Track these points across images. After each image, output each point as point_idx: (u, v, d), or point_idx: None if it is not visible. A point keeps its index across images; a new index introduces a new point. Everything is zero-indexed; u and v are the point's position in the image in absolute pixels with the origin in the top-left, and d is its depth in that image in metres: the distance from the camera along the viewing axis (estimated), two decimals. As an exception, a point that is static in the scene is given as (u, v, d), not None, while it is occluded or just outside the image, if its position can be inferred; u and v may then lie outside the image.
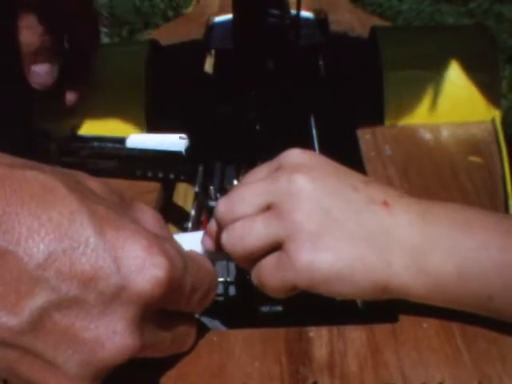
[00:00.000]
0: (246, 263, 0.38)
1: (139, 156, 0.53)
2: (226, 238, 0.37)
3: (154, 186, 0.52)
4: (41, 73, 0.50)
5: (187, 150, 0.53)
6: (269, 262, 0.37)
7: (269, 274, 0.37)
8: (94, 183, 0.34)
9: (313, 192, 0.36)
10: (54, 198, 0.30)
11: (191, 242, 0.40)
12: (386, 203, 0.36)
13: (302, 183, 0.37)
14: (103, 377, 0.31)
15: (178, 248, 0.33)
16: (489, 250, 0.35)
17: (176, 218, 0.55)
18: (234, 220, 0.37)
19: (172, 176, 0.53)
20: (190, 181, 0.55)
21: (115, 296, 0.30)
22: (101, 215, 0.31)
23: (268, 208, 0.37)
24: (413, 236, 0.36)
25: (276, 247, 0.37)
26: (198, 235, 0.41)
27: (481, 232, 0.35)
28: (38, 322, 0.29)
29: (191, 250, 0.36)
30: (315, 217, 0.36)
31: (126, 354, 0.30)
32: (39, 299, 0.29)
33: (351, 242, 0.36)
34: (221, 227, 0.38)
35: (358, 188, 0.37)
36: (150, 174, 0.53)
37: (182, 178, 0.54)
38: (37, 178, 0.31)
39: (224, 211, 0.38)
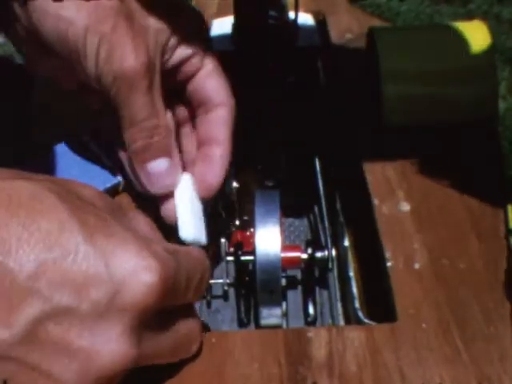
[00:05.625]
0: None
1: None
2: None
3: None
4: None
5: None
6: None
7: None
8: (86, 191, 0.34)
9: None
10: (42, 208, 0.30)
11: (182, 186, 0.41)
12: None
13: None
14: None
15: (168, 247, 0.33)
16: None
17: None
18: None
19: None
20: None
21: (109, 303, 0.29)
22: (91, 223, 0.30)
23: None
24: None
25: None
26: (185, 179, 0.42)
27: None
28: (32, 334, 0.29)
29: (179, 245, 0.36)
30: None
31: (124, 361, 0.30)
32: (32, 310, 0.29)
33: None
34: None
35: None
36: None
37: None
38: (26, 188, 0.30)
39: None
